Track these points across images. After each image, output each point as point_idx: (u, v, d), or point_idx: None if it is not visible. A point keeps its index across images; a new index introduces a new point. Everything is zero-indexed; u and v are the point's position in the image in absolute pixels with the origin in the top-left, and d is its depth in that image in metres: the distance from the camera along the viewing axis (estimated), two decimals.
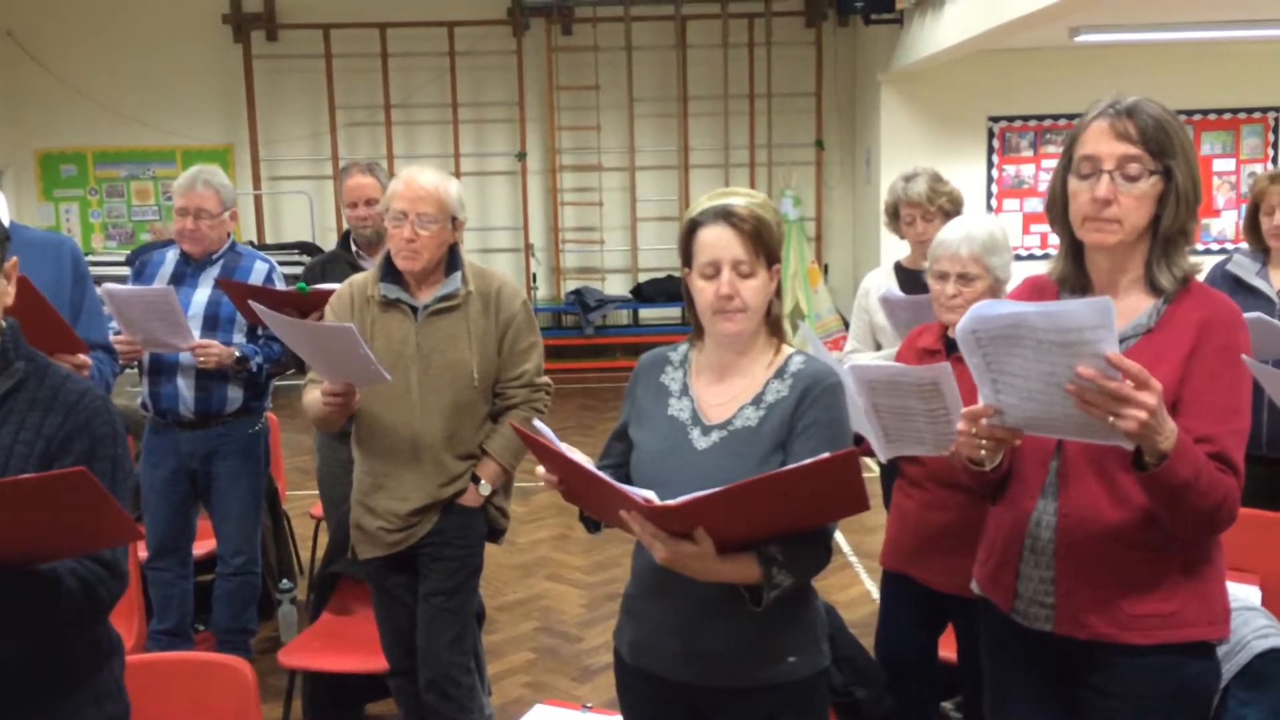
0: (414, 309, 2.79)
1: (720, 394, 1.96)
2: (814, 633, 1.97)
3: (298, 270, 8.74)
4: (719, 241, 1.88)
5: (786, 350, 1.98)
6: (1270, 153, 8.93)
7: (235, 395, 3.56)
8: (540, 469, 1.85)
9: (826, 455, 1.64)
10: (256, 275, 3.59)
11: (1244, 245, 3.45)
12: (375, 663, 3.10)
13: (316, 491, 4.11)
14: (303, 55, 9.69)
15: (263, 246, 9.47)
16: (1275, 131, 8.93)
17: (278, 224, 10.04)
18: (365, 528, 2.87)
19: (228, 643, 3.69)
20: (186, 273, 3.57)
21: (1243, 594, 2.45)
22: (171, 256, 3.62)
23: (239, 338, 3.54)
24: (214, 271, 3.56)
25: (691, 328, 2.04)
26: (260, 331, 3.58)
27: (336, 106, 9.70)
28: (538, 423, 1.80)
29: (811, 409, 1.89)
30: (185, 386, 3.50)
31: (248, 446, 3.65)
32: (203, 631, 3.94)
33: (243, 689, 2.13)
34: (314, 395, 2.75)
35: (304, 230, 9.69)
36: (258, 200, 9.87)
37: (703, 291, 1.90)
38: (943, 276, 2.53)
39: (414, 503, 2.80)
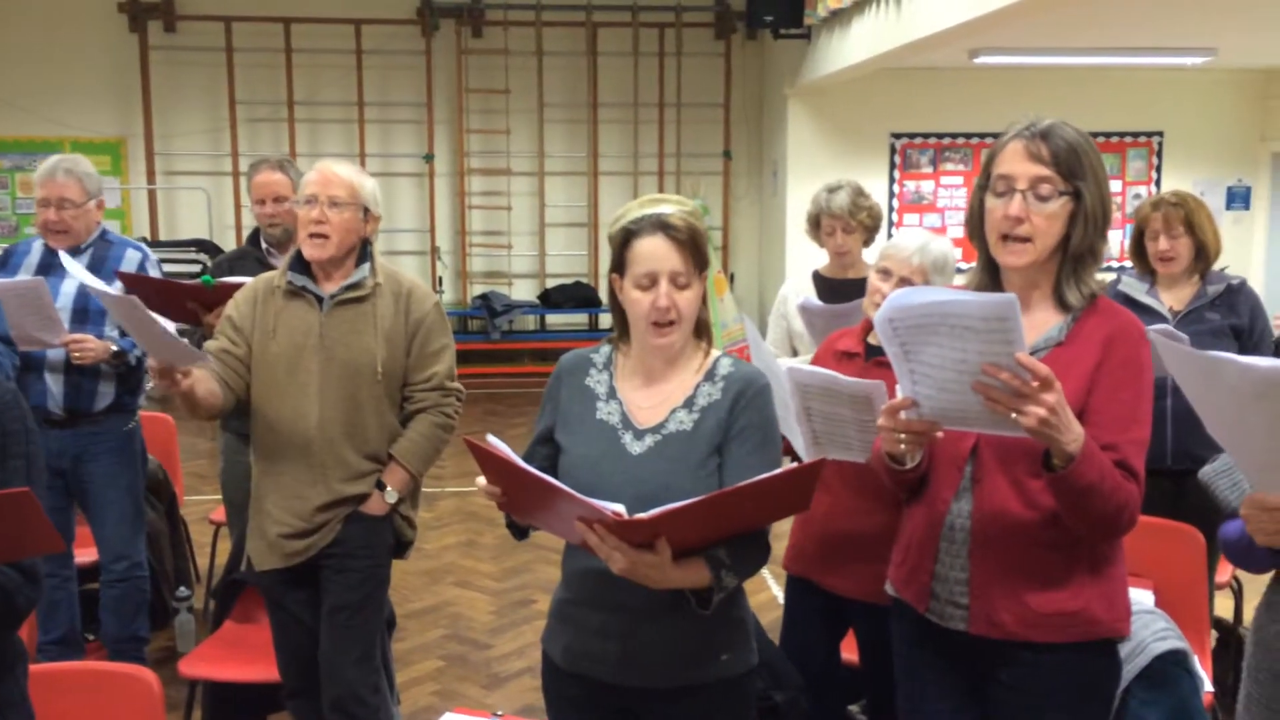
0: (320, 299, 2.72)
1: (649, 397, 1.96)
2: (746, 630, 2.00)
3: (194, 269, 8.49)
4: (657, 253, 1.88)
5: (714, 353, 2.00)
6: (1154, 175, 9.35)
7: (106, 391, 3.42)
8: (481, 480, 1.82)
9: (798, 465, 1.68)
10: (128, 264, 3.45)
11: (1129, 264, 3.59)
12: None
13: (213, 496, 4.00)
14: (202, 48, 9.40)
15: (156, 243, 9.15)
16: (1159, 155, 9.36)
17: (173, 220, 9.72)
18: (264, 535, 2.76)
19: (121, 652, 3.55)
20: (54, 263, 3.41)
21: (1138, 598, 2.54)
22: (38, 246, 3.47)
23: (111, 330, 3.40)
24: (83, 261, 3.41)
25: (614, 332, 2.04)
26: None
27: (237, 101, 9.44)
28: (492, 437, 1.77)
29: (746, 412, 1.91)
30: (54, 382, 3.36)
31: (122, 446, 3.50)
32: (93, 641, 3.79)
33: (147, 699, 2.05)
34: None
35: (201, 228, 9.40)
36: (151, 195, 9.54)
37: (638, 302, 1.90)
38: (885, 274, 2.57)
39: (313, 500, 2.70)
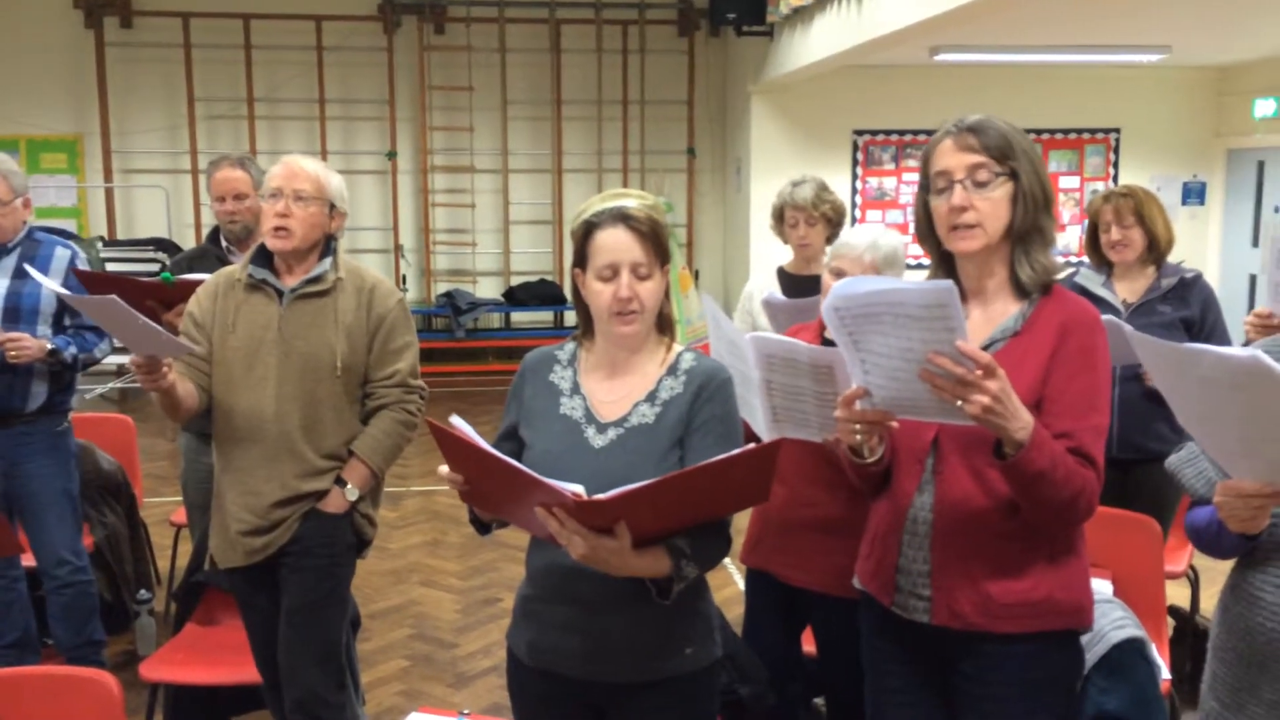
0: (280, 292, 2.70)
1: (613, 391, 1.97)
2: (710, 623, 2.01)
3: (152, 268, 8.40)
4: (618, 244, 1.89)
5: (676, 347, 2.01)
6: (1111, 171, 9.48)
7: (39, 391, 3.37)
8: (443, 468, 1.82)
9: (755, 445, 1.67)
10: (59, 261, 3.41)
11: (1087, 259, 3.65)
12: (242, 674, 2.99)
13: (173, 498, 3.95)
14: (160, 44, 9.29)
15: (114, 242, 9.04)
16: (1116, 151, 9.49)
17: (130, 219, 9.60)
18: (224, 532, 2.75)
19: (78, 659, 3.49)
20: None
21: (1097, 587, 2.58)
22: None
23: (44, 329, 3.36)
24: (11, 261, 3.36)
25: (578, 329, 2.04)
26: (69, 321, 3.41)
27: (196, 98, 9.34)
28: (455, 418, 1.77)
29: (708, 405, 1.92)
30: None
31: (55, 447, 3.45)
32: (49, 646, 3.73)
33: (107, 703, 2.03)
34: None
35: (159, 226, 9.28)
36: (109, 194, 9.42)
37: (600, 294, 1.91)
38: (839, 274, 2.59)
39: (269, 496, 2.67)
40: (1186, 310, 3.39)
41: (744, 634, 2.83)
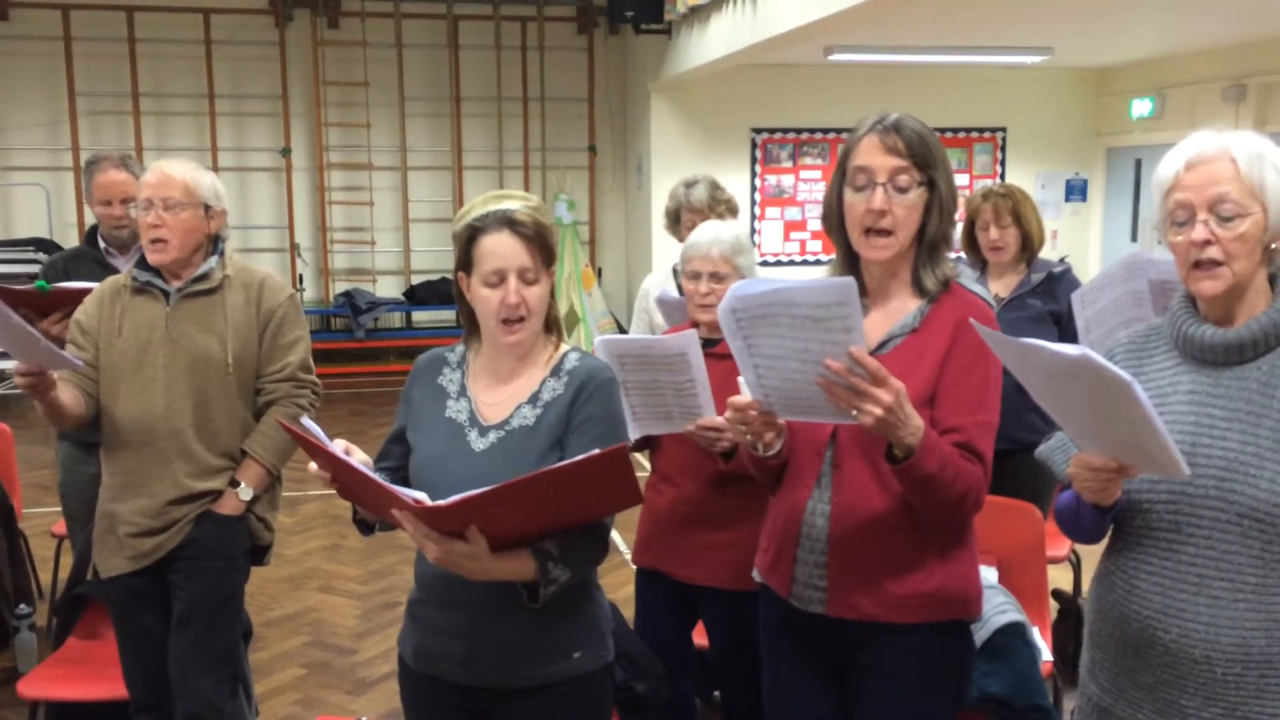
0: (166, 293, 2.68)
1: (498, 394, 1.95)
2: (598, 627, 1.99)
3: (33, 269, 8.05)
4: (504, 249, 1.86)
5: (564, 348, 1.99)
6: (999, 170, 9.76)
7: None
8: (313, 465, 1.80)
9: (595, 452, 1.64)
10: None
11: (963, 255, 3.75)
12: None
13: (55, 509, 3.80)
14: (38, 37, 8.94)
15: None
16: (1003, 149, 9.78)
17: (8, 219, 9.22)
18: (109, 538, 2.67)
19: None
20: None
21: (982, 574, 2.65)
22: None
23: None
24: None
25: (465, 331, 2.02)
26: None
27: (77, 93, 9.00)
28: (306, 420, 1.74)
29: (587, 404, 1.90)
30: None
31: None
32: None
33: None
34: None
35: (39, 226, 8.93)
36: None
37: (487, 300, 1.88)
38: (695, 276, 2.61)
39: (161, 496, 2.63)
40: (1055, 304, 3.50)
41: (636, 631, 2.84)
